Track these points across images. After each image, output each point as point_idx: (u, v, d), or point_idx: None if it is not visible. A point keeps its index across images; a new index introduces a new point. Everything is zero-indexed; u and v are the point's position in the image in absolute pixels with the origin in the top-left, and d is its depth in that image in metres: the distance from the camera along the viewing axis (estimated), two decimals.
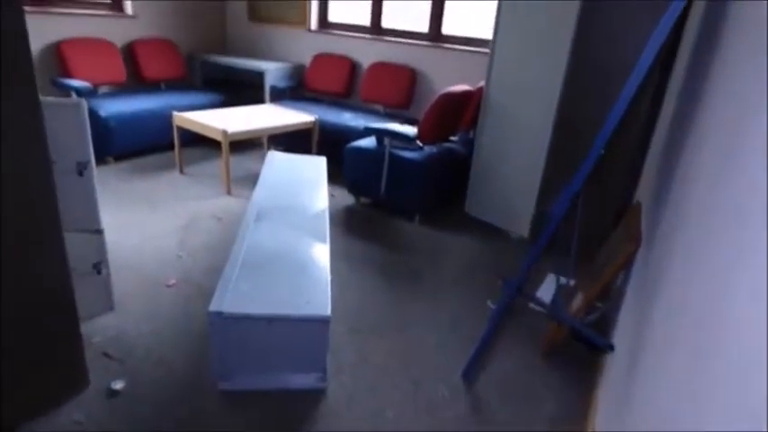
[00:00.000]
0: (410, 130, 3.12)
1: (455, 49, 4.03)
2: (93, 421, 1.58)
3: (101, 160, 3.53)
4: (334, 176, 3.48)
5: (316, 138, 3.90)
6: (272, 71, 4.56)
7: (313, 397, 1.76)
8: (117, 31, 4.26)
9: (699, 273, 0.92)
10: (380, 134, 3.15)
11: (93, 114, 3.45)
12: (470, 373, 1.92)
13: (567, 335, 2.00)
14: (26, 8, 1.25)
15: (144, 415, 1.62)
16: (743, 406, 0.58)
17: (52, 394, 1.62)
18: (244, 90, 4.75)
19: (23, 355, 1.49)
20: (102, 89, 4.10)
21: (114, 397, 1.67)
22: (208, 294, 2.17)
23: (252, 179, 3.49)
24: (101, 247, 1.96)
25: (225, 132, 3.26)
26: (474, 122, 3.30)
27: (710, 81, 1.33)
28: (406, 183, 3.13)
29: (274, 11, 4.89)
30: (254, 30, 5.11)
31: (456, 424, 1.71)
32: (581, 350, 2.06)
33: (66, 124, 1.71)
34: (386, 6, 4.38)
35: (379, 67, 4.35)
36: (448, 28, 4.14)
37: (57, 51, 3.81)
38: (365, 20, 4.51)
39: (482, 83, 3.16)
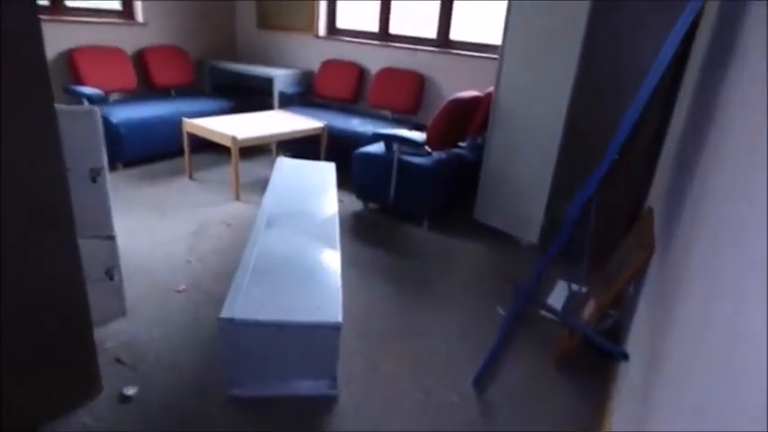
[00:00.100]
0: (419, 135, 3.12)
1: (463, 55, 4.03)
2: (104, 426, 1.58)
3: (111, 167, 3.55)
4: (343, 182, 3.48)
5: (324, 144, 3.91)
6: (281, 77, 4.58)
7: (323, 404, 1.75)
8: (128, 39, 4.31)
9: (721, 284, 0.91)
10: (389, 140, 3.15)
11: (104, 121, 3.47)
12: (481, 381, 1.91)
13: (579, 343, 1.98)
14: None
15: (154, 421, 1.62)
16: None
17: (67, 399, 1.62)
18: (253, 96, 4.78)
19: (39, 361, 1.50)
20: (113, 96, 4.13)
21: (126, 402, 1.68)
22: (217, 300, 2.18)
23: (261, 185, 3.50)
24: (113, 253, 1.98)
25: (234, 138, 3.27)
26: (483, 128, 3.29)
27: (727, 83, 1.31)
28: (415, 188, 3.13)
29: (283, 18, 4.93)
30: (263, 36, 5.15)
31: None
32: (593, 358, 2.04)
33: (80, 131, 1.73)
34: (393, 11, 4.40)
35: (388, 73, 4.36)
36: (456, 34, 4.15)
37: (69, 59, 3.86)
38: (373, 26, 4.53)
39: (491, 88, 3.16)
